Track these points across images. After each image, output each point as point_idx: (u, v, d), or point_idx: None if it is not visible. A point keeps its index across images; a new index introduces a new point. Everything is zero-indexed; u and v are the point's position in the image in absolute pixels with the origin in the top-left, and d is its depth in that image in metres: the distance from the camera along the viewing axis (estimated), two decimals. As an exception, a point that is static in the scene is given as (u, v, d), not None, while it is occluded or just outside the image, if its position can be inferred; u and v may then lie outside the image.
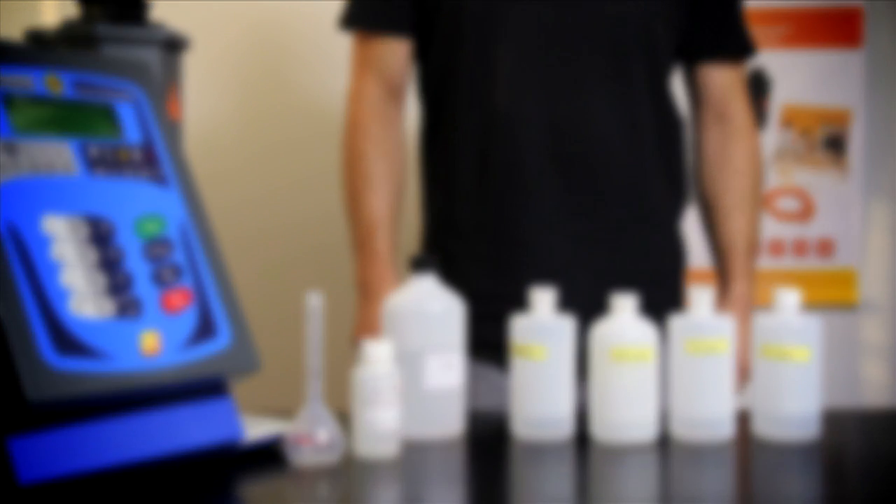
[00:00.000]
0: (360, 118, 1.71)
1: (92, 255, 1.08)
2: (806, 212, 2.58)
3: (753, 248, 1.75)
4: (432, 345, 1.31)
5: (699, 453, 1.26)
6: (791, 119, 2.58)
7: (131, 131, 1.19)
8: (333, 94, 2.04)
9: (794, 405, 1.30)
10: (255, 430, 1.23)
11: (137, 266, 1.11)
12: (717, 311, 1.47)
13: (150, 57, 1.39)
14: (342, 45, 1.82)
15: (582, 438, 1.31)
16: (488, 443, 1.33)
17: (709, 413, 1.30)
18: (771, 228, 2.53)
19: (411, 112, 1.77)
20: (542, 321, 1.32)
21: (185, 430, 1.11)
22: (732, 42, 1.75)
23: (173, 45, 1.43)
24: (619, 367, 1.29)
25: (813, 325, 1.31)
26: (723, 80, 1.75)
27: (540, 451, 1.28)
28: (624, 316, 1.30)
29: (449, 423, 1.33)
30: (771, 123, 2.57)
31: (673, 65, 1.72)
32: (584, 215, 1.63)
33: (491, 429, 1.37)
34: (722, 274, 1.75)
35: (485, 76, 1.63)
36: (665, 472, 1.24)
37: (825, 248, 2.59)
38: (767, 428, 1.31)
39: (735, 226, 1.73)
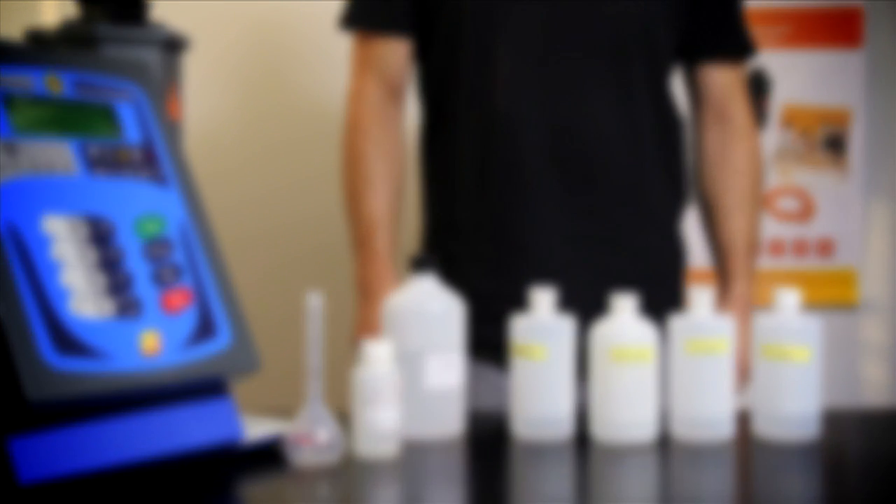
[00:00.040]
0: (360, 118, 1.71)
1: (92, 255, 1.08)
2: (806, 212, 2.58)
3: (753, 248, 1.75)
4: (432, 345, 1.31)
5: (699, 453, 1.26)
6: (791, 119, 2.58)
7: (131, 131, 1.19)
8: (333, 94, 2.04)
9: (794, 405, 1.30)
10: (255, 430, 1.23)
11: (137, 266, 1.11)
12: (717, 311, 1.47)
13: (150, 57, 1.39)
14: (342, 45, 1.81)
15: (582, 438, 1.31)
16: (488, 443, 1.33)
17: (709, 413, 1.30)
18: (771, 228, 2.53)
19: (411, 112, 1.77)
20: (542, 321, 1.32)
21: (185, 430, 1.11)
22: (732, 42, 1.75)
23: (173, 45, 1.43)
24: (619, 367, 1.29)
25: (813, 325, 1.31)
26: (723, 80, 1.75)
27: (540, 451, 1.28)
28: (624, 316, 1.30)
29: (449, 423, 1.33)
30: (771, 123, 2.57)
31: (673, 65, 1.72)
32: (584, 215, 1.63)
33: (491, 429, 1.37)
34: (722, 274, 1.75)
35: (485, 76, 1.63)
36: (665, 472, 1.24)
37: (825, 248, 2.59)
38: (767, 428, 1.31)
39: (735, 226, 1.73)
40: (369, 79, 1.70)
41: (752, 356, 1.36)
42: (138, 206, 1.15)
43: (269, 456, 1.21)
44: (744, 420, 1.35)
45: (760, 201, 1.78)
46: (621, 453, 1.26)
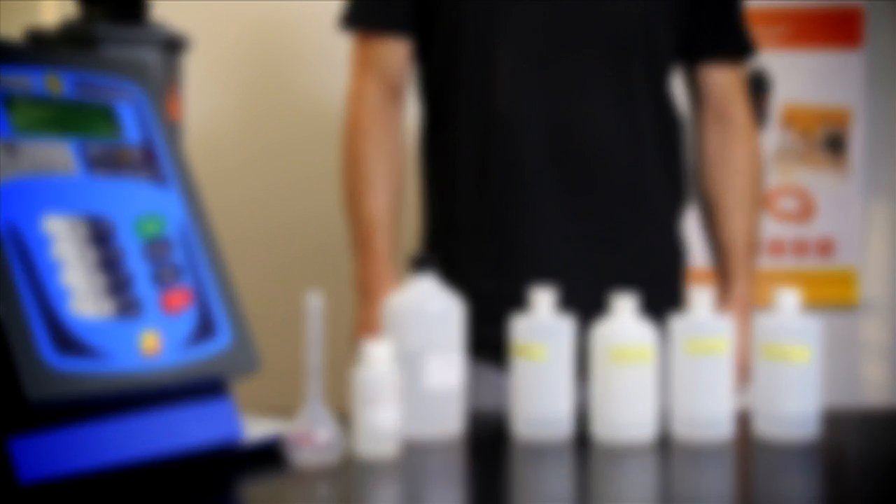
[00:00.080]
0: (360, 118, 1.71)
1: (92, 255, 1.08)
2: (806, 212, 2.58)
3: (753, 248, 1.75)
4: (432, 345, 1.31)
5: (699, 453, 1.26)
6: (791, 119, 2.58)
7: (131, 131, 1.19)
8: (333, 94, 2.04)
9: (794, 405, 1.30)
10: (255, 430, 1.23)
11: (137, 266, 1.11)
12: (718, 311, 1.47)
13: (150, 57, 1.39)
14: (342, 45, 1.81)
15: (582, 438, 1.31)
16: (488, 443, 1.33)
17: (709, 413, 1.30)
18: (771, 228, 2.53)
19: (411, 112, 1.77)
20: (542, 321, 1.32)
21: (185, 430, 1.11)
22: (732, 42, 1.75)
23: (173, 45, 1.43)
24: (619, 367, 1.29)
25: (813, 326, 1.31)
26: (723, 80, 1.75)
27: (540, 451, 1.28)
28: (624, 316, 1.30)
29: (449, 423, 1.33)
30: (771, 123, 2.57)
31: (673, 65, 1.72)
32: (584, 215, 1.63)
33: (491, 429, 1.37)
34: (722, 274, 1.75)
35: (485, 76, 1.63)
36: (665, 472, 1.24)
37: (825, 247, 2.59)
38: (767, 428, 1.31)
39: (735, 226, 1.73)
40: (369, 79, 1.70)
41: (752, 356, 1.36)
42: (138, 206, 1.15)
43: (269, 456, 1.21)
44: (744, 420, 1.35)
45: (760, 201, 1.78)
46: (621, 453, 1.26)
